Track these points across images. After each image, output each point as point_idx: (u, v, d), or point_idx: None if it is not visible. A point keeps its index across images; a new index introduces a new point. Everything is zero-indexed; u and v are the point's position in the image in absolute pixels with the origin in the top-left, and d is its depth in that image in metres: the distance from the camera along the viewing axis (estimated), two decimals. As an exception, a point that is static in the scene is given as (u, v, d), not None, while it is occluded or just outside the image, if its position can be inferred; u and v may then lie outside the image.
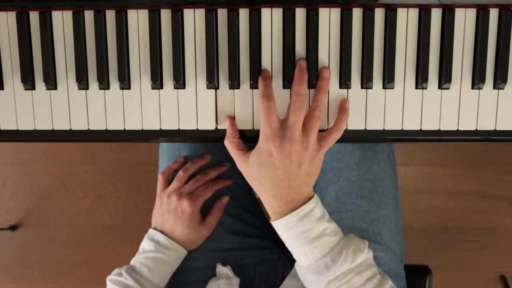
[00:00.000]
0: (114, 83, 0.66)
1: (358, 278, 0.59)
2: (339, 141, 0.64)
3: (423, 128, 0.65)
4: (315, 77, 0.64)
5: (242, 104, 0.65)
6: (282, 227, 0.61)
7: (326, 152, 0.80)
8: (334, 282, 0.59)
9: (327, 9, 0.63)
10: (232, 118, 0.65)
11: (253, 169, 0.61)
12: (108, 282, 0.72)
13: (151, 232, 0.76)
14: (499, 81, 0.64)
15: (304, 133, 0.59)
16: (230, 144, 0.64)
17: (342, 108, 0.64)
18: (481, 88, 0.65)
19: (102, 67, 0.65)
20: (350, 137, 0.66)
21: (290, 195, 0.60)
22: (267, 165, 0.59)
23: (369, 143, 0.64)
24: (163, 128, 0.66)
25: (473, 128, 0.65)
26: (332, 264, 0.59)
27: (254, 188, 0.64)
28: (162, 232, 0.75)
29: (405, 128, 0.65)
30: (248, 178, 0.63)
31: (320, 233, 0.60)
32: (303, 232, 0.60)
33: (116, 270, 0.73)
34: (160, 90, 0.66)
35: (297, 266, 0.65)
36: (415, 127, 0.65)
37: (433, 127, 0.65)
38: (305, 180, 0.61)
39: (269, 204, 0.62)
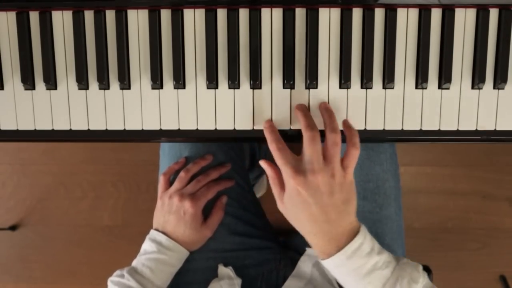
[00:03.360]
0: (114, 83, 0.66)
1: None
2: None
3: (423, 128, 0.65)
4: (315, 77, 0.64)
5: (242, 104, 0.65)
6: (332, 266, 0.60)
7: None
8: None
9: (327, 9, 0.63)
10: (267, 161, 0.63)
11: (289, 211, 0.60)
12: (109, 283, 0.72)
13: (152, 233, 0.76)
14: (499, 81, 0.64)
15: (327, 162, 0.57)
16: (274, 185, 0.62)
17: (346, 126, 0.63)
18: (481, 88, 0.65)
19: (102, 67, 0.65)
20: (350, 137, 0.66)
21: (332, 230, 0.58)
22: (299, 204, 0.58)
23: (372, 144, 0.64)
24: (163, 128, 0.66)
25: (473, 128, 0.65)
26: None
27: (298, 230, 0.62)
28: (163, 233, 0.75)
29: (405, 128, 0.65)
30: (290, 219, 0.62)
31: (371, 267, 0.58)
32: (354, 270, 0.58)
33: (117, 272, 0.73)
34: (160, 90, 0.66)
35: None
36: (415, 127, 0.65)
37: (433, 127, 0.65)
38: (343, 209, 0.58)
39: (314, 243, 0.60)
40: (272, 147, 0.60)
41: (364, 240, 0.58)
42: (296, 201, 0.58)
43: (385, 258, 0.59)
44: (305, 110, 0.63)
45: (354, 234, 0.58)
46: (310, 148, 0.58)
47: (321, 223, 0.57)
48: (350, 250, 0.57)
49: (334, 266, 0.59)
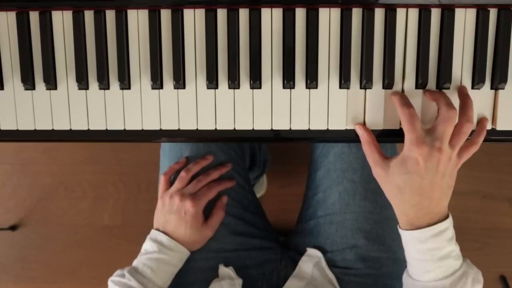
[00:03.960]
0: (114, 83, 0.66)
1: None
2: (341, 141, 0.63)
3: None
4: (315, 77, 0.64)
5: (242, 104, 0.65)
6: (413, 239, 0.61)
7: (330, 153, 0.81)
8: None
9: (327, 9, 0.63)
10: (363, 124, 0.65)
11: (394, 176, 0.60)
12: (110, 283, 0.72)
13: (153, 233, 0.76)
14: (499, 81, 0.64)
15: (450, 145, 0.59)
16: (371, 149, 0.63)
17: (482, 126, 0.64)
18: (481, 88, 0.65)
19: (102, 67, 0.65)
20: (350, 137, 0.66)
21: (430, 207, 0.60)
22: (412, 174, 0.59)
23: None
24: (163, 128, 0.66)
25: (473, 128, 0.65)
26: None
27: (389, 196, 0.63)
28: (164, 233, 0.75)
29: (405, 128, 0.65)
30: (385, 185, 0.63)
31: (447, 254, 0.61)
32: (432, 249, 0.60)
33: (118, 271, 0.73)
34: (160, 90, 0.66)
35: (406, 277, 0.66)
36: (415, 127, 0.65)
37: (433, 127, 0.65)
38: (445, 193, 0.61)
39: (404, 213, 0.62)
40: (403, 111, 0.60)
41: (450, 226, 0.61)
42: (409, 169, 0.59)
43: (458, 251, 0.62)
44: (441, 93, 0.63)
45: (444, 217, 0.61)
46: (444, 125, 0.58)
47: (424, 198, 0.59)
48: (438, 229, 0.60)
49: (416, 239, 0.61)
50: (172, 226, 0.75)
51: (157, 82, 0.65)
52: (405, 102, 0.61)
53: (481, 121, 0.65)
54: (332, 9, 0.63)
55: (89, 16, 0.65)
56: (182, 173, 0.77)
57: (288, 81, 0.64)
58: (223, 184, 0.80)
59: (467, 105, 0.62)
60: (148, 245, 0.75)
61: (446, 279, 0.60)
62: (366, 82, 0.64)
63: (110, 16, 0.64)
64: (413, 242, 0.62)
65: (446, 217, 0.61)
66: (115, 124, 0.66)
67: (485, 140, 0.65)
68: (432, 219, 0.60)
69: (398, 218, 0.64)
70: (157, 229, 0.77)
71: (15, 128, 0.67)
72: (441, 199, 0.60)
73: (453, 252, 0.61)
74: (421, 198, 0.59)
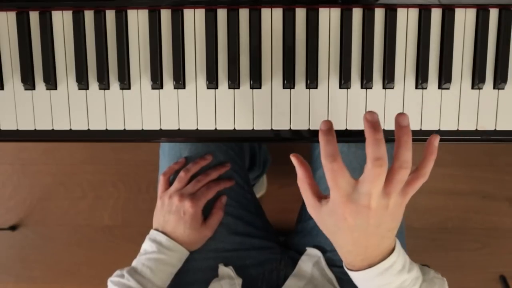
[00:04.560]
0: (114, 83, 0.66)
1: None
2: (341, 141, 0.62)
3: (423, 128, 0.65)
4: (315, 77, 0.64)
5: (242, 104, 0.65)
6: (358, 278, 0.58)
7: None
8: None
9: (327, 9, 0.63)
10: (300, 156, 0.55)
11: (326, 222, 0.55)
12: (109, 283, 0.72)
13: (152, 233, 0.76)
14: (499, 81, 0.64)
15: (385, 194, 0.50)
16: (303, 188, 0.55)
17: (430, 147, 0.52)
18: (481, 88, 0.65)
19: (102, 67, 0.65)
20: (350, 137, 0.66)
21: (367, 253, 0.55)
22: (342, 228, 0.53)
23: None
24: (163, 128, 0.66)
25: (473, 128, 0.65)
26: None
27: (329, 238, 0.57)
28: (163, 233, 0.75)
29: (405, 128, 0.65)
30: (320, 226, 0.56)
31: (398, 285, 0.56)
32: (380, 285, 0.56)
33: (117, 272, 0.73)
34: (160, 90, 0.66)
35: None
36: (415, 127, 0.65)
37: (433, 127, 0.65)
38: (385, 236, 0.54)
39: (345, 257, 0.58)
40: (326, 165, 0.50)
41: (398, 259, 0.56)
42: (338, 223, 0.53)
43: (413, 275, 0.58)
44: (373, 131, 0.49)
45: (388, 252, 0.56)
46: (371, 183, 0.49)
47: (358, 247, 0.54)
48: (382, 267, 0.55)
49: (361, 279, 0.57)
50: (171, 226, 0.75)
51: (157, 82, 0.65)
52: (330, 152, 0.50)
53: (428, 142, 0.53)
54: (332, 9, 0.63)
55: (89, 16, 0.65)
56: (181, 173, 0.77)
57: (288, 81, 0.64)
58: (222, 184, 0.80)
59: (401, 145, 0.49)
60: (147, 245, 0.75)
61: None
62: (366, 82, 0.64)
63: (110, 16, 0.64)
64: (358, 281, 0.59)
65: (392, 251, 0.56)
66: (115, 124, 0.66)
67: (485, 140, 0.65)
68: (373, 261, 0.55)
69: (340, 256, 0.59)
70: (156, 229, 0.77)
71: (15, 128, 0.67)
72: (381, 243, 0.54)
73: (406, 282, 0.57)
74: (355, 247, 0.54)
